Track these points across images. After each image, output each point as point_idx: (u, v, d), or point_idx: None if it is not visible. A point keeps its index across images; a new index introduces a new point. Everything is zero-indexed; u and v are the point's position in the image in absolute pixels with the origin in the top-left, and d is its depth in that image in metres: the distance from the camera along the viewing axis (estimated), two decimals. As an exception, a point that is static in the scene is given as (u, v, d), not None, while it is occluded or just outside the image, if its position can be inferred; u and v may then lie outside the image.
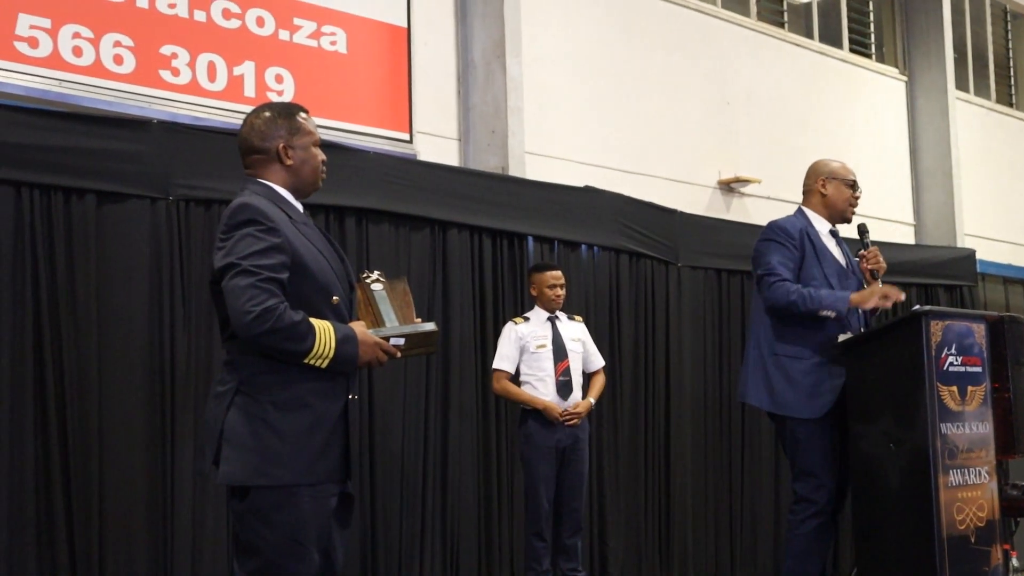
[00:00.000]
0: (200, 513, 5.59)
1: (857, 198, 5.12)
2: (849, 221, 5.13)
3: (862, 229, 5.11)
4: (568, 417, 6.26)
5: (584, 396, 6.46)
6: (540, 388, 6.34)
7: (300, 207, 3.43)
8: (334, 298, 3.31)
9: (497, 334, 6.72)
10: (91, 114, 5.86)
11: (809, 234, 4.97)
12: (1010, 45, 13.79)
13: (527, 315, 6.57)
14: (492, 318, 6.99)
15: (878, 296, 4.85)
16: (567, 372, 6.39)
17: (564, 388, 6.36)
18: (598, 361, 6.63)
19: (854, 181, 5.09)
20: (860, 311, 4.93)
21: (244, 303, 3.08)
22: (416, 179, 6.76)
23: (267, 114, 3.41)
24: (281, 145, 3.38)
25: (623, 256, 7.84)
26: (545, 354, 6.39)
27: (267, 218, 3.20)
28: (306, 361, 3.16)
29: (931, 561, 4.44)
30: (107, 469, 5.37)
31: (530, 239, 7.28)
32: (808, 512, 4.84)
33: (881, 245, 8.95)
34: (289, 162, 3.38)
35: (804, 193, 5.15)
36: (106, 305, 5.48)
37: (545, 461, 6.29)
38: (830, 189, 5.04)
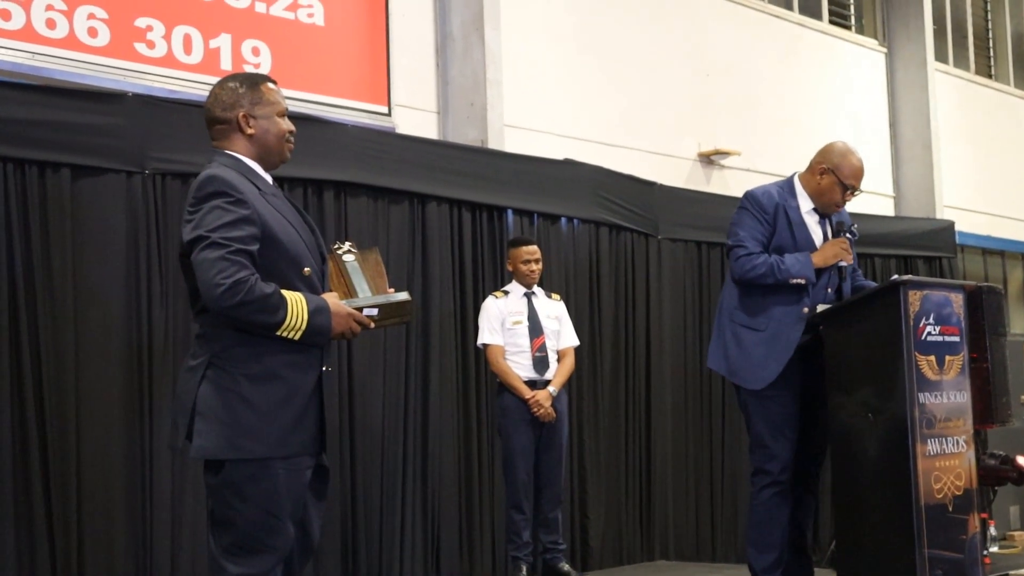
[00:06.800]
0: (179, 488, 5.57)
1: (847, 200, 4.94)
2: (827, 217, 4.99)
3: (839, 228, 5.01)
4: (534, 406, 6.25)
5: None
6: (517, 362, 6.33)
7: (269, 178, 3.40)
8: (305, 269, 3.29)
9: (476, 307, 6.71)
10: (65, 87, 5.80)
11: (787, 209, 4.88)
12: (989, 16, 13.78)
13: (506, 289, 6.55)
14: (472, 292, 6.97)
15: (839, 248, 4.86)
16: (543, 348, 6.37)
17: (540, 364, 6.35)
18: (570, 339, 6.59)
19: (853, 186, 4.87)
20: (829, 283, 4.92)
21: (214, 276, 3.06)
22: (394, 152, 6.72)
23: (231, 84, 3.39)
24: (242, 114, 3.35)
25: (603, 229, 7.83)
26: (521, 330, 6.38)
27: (235, 190, 3.18)
28: (278, 333, 3.14)
29: (909, 530, 4.45)
30: (85, 444, 5.34)
31: (509, 212, 7.26)
32: (763, 483, 4.86)
33: (861, 217, 9.00)
34: (250, 131, 3.35)
35: (808, 165, 4.99)
36: (82, 280, 5.44)
37: (523, 433, 6.29)
38: (824, 181, 4.87)
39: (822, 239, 4.95)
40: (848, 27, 11.77)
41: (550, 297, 6.62)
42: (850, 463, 4.68)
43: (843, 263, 4.92)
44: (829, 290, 4.93)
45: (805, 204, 4.95)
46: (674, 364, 8.25)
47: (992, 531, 8.63)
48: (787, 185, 5.00)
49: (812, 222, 4.94)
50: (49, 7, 6.06)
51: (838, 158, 4.90)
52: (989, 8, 13.79)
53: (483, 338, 6.43)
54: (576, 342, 6.65)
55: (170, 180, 5.72)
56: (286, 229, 3.29)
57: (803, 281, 4.79)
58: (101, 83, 6.13)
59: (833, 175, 4.87)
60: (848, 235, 4.97)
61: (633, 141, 9.06)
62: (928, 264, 10.25)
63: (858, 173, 4.91)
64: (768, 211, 4.88)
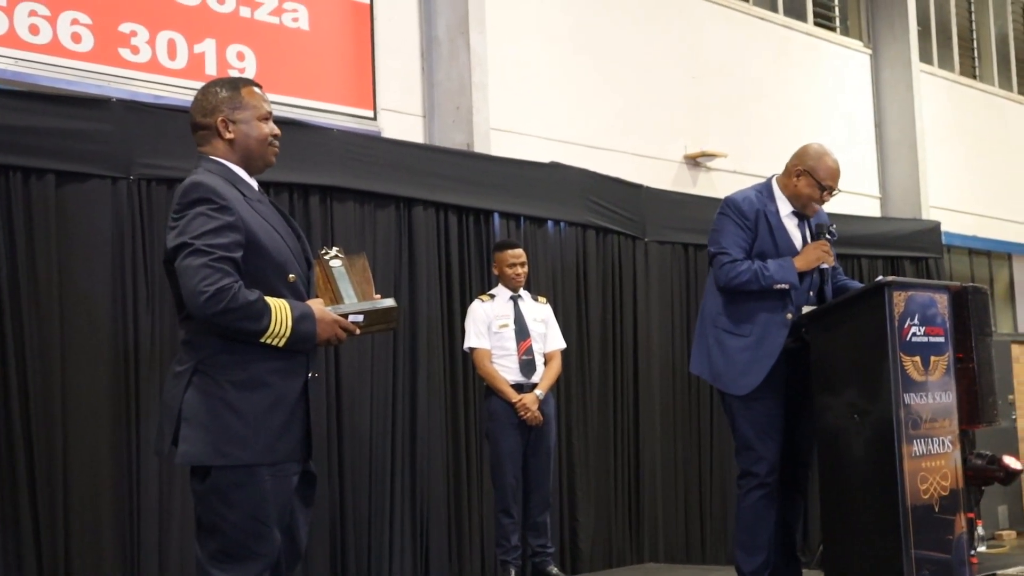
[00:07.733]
0: (167, 493, 5.56)
1: (824, 200, 4.95)
2: (807, 218, 5.00)
3: (819, 231, 5.01)
4: (521, 410, 6.25)
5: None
6: (504, 365, 6.33)
7: (254, 183, 3.39)
8: (290, 276, 3.28)
9: (463, 311, 6.71)
10: (49, 93, 5.78)
11: (767, 214, 4.89)
12: (973, 18, 13.83)
13: (492, 292, 6.55)
14: (459, 295, 6.97)
15: (820, 252, 4.87)
16: (530, 351, 6.37)
17: (527, 367, 6.35)
18: (556, 342, 6.58)
19: (830, 187, 4.89)
20: (811, 286, 4.93)
21: (198, 283, 3.05)
22: (380, 156, 6.72)
23: (212, 89, 3.39)
24: (220, 119, 3.33)
25: (590, 232, 7.84)
26: (507, 333, 6.37)
27: (220, 196, 3.17)
28: (263, 340, 3.14)
29: (896, 530, 4.46)
30: (72, 449, 5.33)
31: (496, 216, 7.26)
32: (750, 484, 4.87)
33: (846, 218, 9.03)
34: (229, 136, 3.34)
35: (785, 168, 5.01)
36: (68, 286, 5.43)
37: (510, 437, 6.28)
38: (801, 183, 4.88)
39: (802, 242, 4.96)
40: (833, 29, 11.80)
41: (536, 300, 6.62)
42: (837, 464, 4.69)
43: (824, 265, 4.94)
44: (811, 292, 4.95)
45: (784, 208, 4.96)
46: (662, 366, 8.26)
47: (980, 531, 8.67)
48: (766, 189, 5.01)
49: (792, 225, 4.96)
50: (32, 13, 6.04)
51: (813, 160, 4.91)
52: (973, 9, 13.83)
53: (470, 342, 6.43)
54: (563, 345, 6.64)
55: (155, 186, 5.71)
56: (271, 235, 3.28)
57: (787, 287, 4.80)
58: (85, 88, 6.11)
59: (810, 176, 4.88)
60: (828, 236, 4.99)
61: (620, 144, 9.06)
62: (914, 265, 10.29)
63: (834, 174, 4.92)
64: (749, 217, 4.89)
